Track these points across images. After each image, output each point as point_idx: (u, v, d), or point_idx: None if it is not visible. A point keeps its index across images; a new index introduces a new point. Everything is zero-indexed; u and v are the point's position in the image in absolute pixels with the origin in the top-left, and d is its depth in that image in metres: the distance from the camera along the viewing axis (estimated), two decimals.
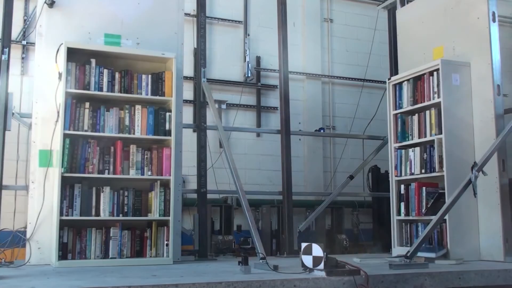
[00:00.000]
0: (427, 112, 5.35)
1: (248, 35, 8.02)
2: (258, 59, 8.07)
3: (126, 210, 4.79)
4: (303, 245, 3.75)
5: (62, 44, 4.71)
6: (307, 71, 8.25)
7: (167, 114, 4.98)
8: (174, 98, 4.97)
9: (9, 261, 4.65)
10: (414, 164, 5.44)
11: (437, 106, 5.24)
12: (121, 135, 4.84)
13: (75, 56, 4.75)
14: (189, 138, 6.52)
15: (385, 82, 8.36)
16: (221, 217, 6.19)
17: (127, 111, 4.87)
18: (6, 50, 4.88)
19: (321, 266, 3.61)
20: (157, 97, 4.98)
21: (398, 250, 5.41)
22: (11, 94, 4.81)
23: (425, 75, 5.41)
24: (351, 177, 6.74)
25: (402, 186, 5.55)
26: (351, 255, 5.10)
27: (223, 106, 7.77)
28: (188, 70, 7.42)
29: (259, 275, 3.63)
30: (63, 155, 4.56)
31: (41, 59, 4.95)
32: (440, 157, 5.12)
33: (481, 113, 5.14)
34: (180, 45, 5.40)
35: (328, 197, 6.78)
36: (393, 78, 5.83)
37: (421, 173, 5.34)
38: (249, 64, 7.89)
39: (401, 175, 5.60)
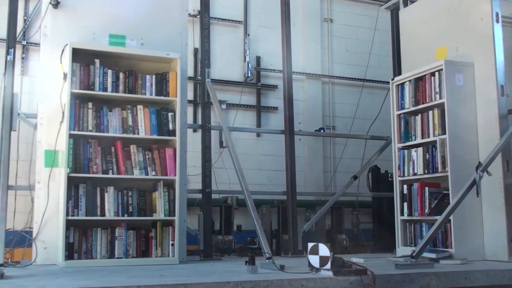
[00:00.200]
0: (430, 112, 5.37)
1: (248, 35, 8.02)
2: (258, 59, 8.07)
3: (131, 210, 4.80)
4: (310, 245, 3.76)
5: (67, 44, 4.72)
6: (307, 71, 8.25)
7: (169, 114, 4.99)
8: (178, 99, 4.99)
9: (15, 261, 4.66)
10: (417, 165, 5.46)
11: (440, 106, 5.26)
12: (125, 135, 4.85)
13: (80, 56, 4.76)
14: (189, 138, 6.51)
15: (386, 82, 8.46)
16: (221, 217, 6.19)
17: (129, 111, 4.88)
18: (11, 50, 4.87)
19: (328, 266, 3.62)
20: (162, 98, 4.99)
21: (402, 250, 5.43)
22: (16, 95, 4.81)
23: (426, 76, 5.43)
24: (355, 177, 6.76)
25: (405, 186, 5.58)
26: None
27: (223, 106, 7.76)
28: (188, 70, 7.41)
29: (266, 275, 3.64)
30: (68, 155, 4.58)
31: (46, 59, 4.95)
32: (443, 157, 5.14)
33: (484, 114, 5.16)
34: (184, 46, 5.41)
35: (332, 197, 6.80)
36: (396, 78, 5.85)
37: (424, 173, 5.36)
38: (249, 64, 7.88)
39: (404, 175, 5.62)
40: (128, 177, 4.82)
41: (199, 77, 7.06)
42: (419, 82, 5.53)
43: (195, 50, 7.49)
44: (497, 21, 5.14)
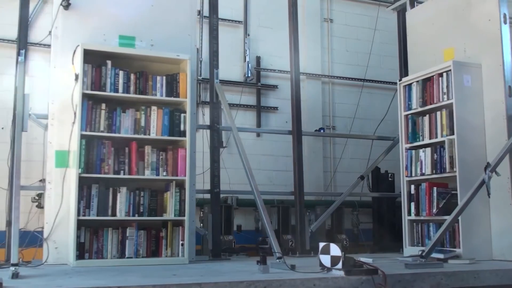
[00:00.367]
0: (438, 113, 5.40)
1: (248, 35, 8.03)
2: (258, 59, 8.07)
3: (141, 210, 4.84)
4: (321, 244, 3.79)
5: (78, 45, 4.76)
6: (307, 71, 8.26)
7: (182, 115, 5.03)
8: (188, 99, 5.03)
9: (26, 261, 4.69)
10: (425, 165, 5.49)
11: (448, 107, 5.29)
12: (136, 136, 4.89)
13: (91, 57, 4.80)
14: None
15: (386, 82, 8.54)
16: (221, 217, 6.23)
17: (143, 112, 4.92)
18: (23, 52, 4.92)
19: (339, 265, 3.65)
20: (172, 98, 5.03)
21: (409, 250, 5.46)
22: (27, 95, 4.85)
23: (434, 77, 5.46)
24: (362, 178, 6.80)
25: (412, 186, 5.61)
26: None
27: (223, 106, 7.80)
28: None
29: (278, 275, 3.67)
30: (80, 156, 4.62)
31: (57, 60, 4.99)
32: (451, 157, 5.17)
33: (492, 114, 5.19)
34: (193, 47, 5.46)
35: (336, 197, 6.85)
36: (403, 79, 5.89)
37: (432, 173, 5.39)
38: (249, 64, 7.89)
39: (411, 175, 5.65)
40: (140, 177, 4.86)
41: (199, 77, 7.11)
42: (426, 83, 5.56)
43: (196, 50, 7.50)
44: (505, 22, 5.18)
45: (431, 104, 5.48)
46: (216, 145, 5.79)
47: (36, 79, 5.93)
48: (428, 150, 5.46)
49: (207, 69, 7.16)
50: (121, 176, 4.80)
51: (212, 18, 5.93)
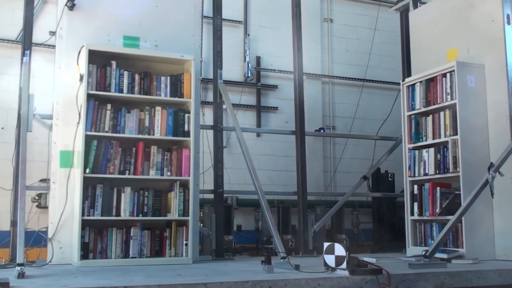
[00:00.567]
0: (441, 113, 5.41)
1: (248, 35, 8.05)
2: (258, 59, 8.09)
3: (145, 210, 4.86)
4: (325, 244, 3.81)
5: (83, 46, 4.77)
6: (307, 71, 8.25)
7: (186, 115, 5.04)
8: (193, 100, 5.04)
9: (30, 260, 4.70)
10: (428, 165, 5.50)
11: (451, 107, 5.30)
12: (141, 136, 4.91)
13: (96, 58, 4.82)
14: None
15: (386, 82, 8.56)
16: (223, 217, 6.23)
17: (147, 112, 4.94)
18: (28, 52, 4.93)
19: (344, 265, 3.66)
20: (176, 99, 5.05)
21: (412, 250, 5.47)
22: (32, 96, 4.85)
23: (437, 77, 5.47)
24: (365, 178, 6.81)
25: (415, 186, 5.62)
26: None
27: (224, 106, 7.83)
28: None
29: (283, 274, 3.68)
30: (89, 156, 4.63)
31: (62, 61, 5.01)
32: (454, 157, 5.18)
33: (495, 115, 5.20)
34: (197, 47, 5.49)
35: (338, 197, 6.87)
36: (407, 80, 5.90)
37: (435, 173, 5.40)
38: (249, 64, 7.91)
39: (414, 176, 5.66)
40: (144, 177, 4.88)
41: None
42: (430, 83, 5.57)
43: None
44: (508, 23, 5.19)
45: (434, 104, 5.49)
46: (219, 146, 5.80)
47: (37, 79, 5.94)
48: (432, 150, 5.47)
49: (208, 69, 7.22)
50: (126, 176, 4.82)
51: (216, 19, 5.93)
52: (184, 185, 4.96)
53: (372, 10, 8.63)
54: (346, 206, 7.23)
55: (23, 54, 4.96)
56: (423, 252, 4.42)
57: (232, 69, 7.88)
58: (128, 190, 4.79)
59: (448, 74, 5.34)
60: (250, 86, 8.00)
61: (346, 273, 3.61)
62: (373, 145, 7.38)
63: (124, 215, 4.77)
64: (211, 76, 6.18)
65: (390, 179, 7.27)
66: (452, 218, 4.60)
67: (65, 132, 4.88)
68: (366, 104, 8.46)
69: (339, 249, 3.74)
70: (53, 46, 5.24)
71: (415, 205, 5.59)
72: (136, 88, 4.94)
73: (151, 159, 4.90)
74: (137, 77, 4.96)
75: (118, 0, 5.23)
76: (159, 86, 5.02)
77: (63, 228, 4.78)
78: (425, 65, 5.87)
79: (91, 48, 4.75)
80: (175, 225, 4.92)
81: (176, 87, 5.07)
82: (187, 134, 5.02)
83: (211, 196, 5.78)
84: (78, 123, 4.75)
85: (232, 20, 7.99)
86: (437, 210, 5.30)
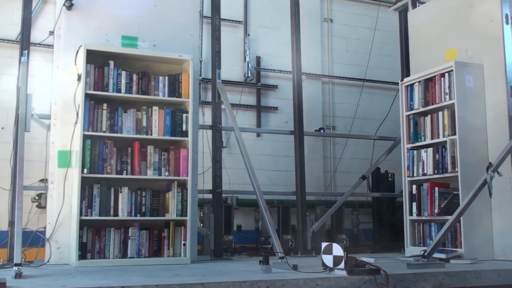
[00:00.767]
0: (440, 113, 5.40)
1: (248, 35, 8.04)
2: (258, 59, 8.09)
3: (143, 210, 4.85)
4: (323, 244, 3.80)
5: (81, 46, 4.77)
6: (307, 71, 8.27)
7: (184, 115, 5.04)
8: (191, 100, 5.04)
9: (28, 261, 4.70)
10: (426, 165, 5.49)
11: (450, 107, 5.30)
12: (138, 136, 4.90)
13: (93, 57, 4.81)
14: None
15: (386, 82, 8.55)
16: (222, 217, 6.23)
17: (144, 112, 4.93)
18: (26, 52, 4.93)
19: (342, 265, 3.66)
20: (174, 99, 5.04)
21: (411, 250, 5.47)
22: (30, 95, 4.84)
23: (436, 77, 5.47)
24: (364, 178, 6.81)
25: (414, 186, 5.61)
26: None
27: (223, 106, 7.83)
28: None
29: (281, 274, 3.68)
30: (85, 156, 4.63)
31: (60, 61, 5.00)
32: (453, 157, 5.17)
33: (494, 115, 5.19)
34: (196, 47, 5.48)
35: (337, 197, 6.86)
36: (405, 79, 5.89)
37: (434, 173, 5.39)
38: (249, 64, 7.91)
39: (413, 176, 5.66)
40: (142, 177, 4.87)
41: (199, 77, 7.11)
42: (428, 83, 5.57)
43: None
44: (507, 23, 5.18)
45: (433, 104, 5.48)
46: (218, 145, 5.80)
47: (36, 79, 5.94)
48: (430, 150, 5.46)
49: (207, 69, 7.21)
50: (124, 176, 4.81)
51: (215, 19, 5.93)
52: (182, 185, 4.96)
53: (372, 10, 8.63)
54: (346, 206, 7.23)
55: (21, 54, 4.94)
56: (422, 252, 4.41)
57: (232, 69, 7.88)
58: (125, 190, 4.78)
59: (446, 74, 5.33)
60: (250, 86, 8.00)
61: (344, 273, 3.60)
62: (375, 146, 7.37)
63: (122, 215, 4.77)
64: (210, 76, 6.17)
65: (390, 179, 7.26)
66: (450, 218, 4.59)
67: (63, 132, 4.88)
68: (366, 104, 8.46)
69: (337, 249, 3.73)
70: (53, 46, 5.23)
71: (414, 205, 5.58)
72: (134, 88, 4.94)
73: (148, 159, 4.89)
74: (135, 77, 4.95)
75: (116, 0, 5.22)
76: (157, 86, 5.02)
77: (61, 228, 4.77)
78: (424, 65, 5.86)
79: (89, 48, 4.74)
80: (173, 225, 4.91)
81: (174, 87, 5.06)
82: (185, 134, 5.02)
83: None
84: (76, 123, 4.74)
85: (232, 20, 7.99)
86: (436, 210, 5.30)
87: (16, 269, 3.69)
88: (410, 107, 5.76)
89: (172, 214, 4.90)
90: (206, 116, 6.74)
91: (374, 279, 3.57)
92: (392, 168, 7.14)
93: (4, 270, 4.08)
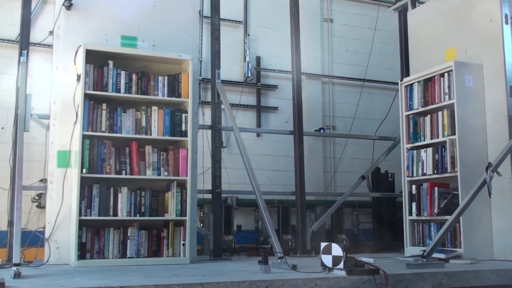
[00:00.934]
0: (439, 113, 5.40)
1: (248, 35, 8.03)
2: (258, 59, 8.08)
3: (143, 210, 4.85)
4: (323, 244, 3.80)
5: (80, 46, 4.77)
6: (307, 71, 8.26)
7: (183, 115, 5.04)
8: (190, 100, 5.04)
9: (27, 261, 4.70)
10: (426, 165, 5.49)
11: (449, 107, 5.30)
12: (137, 136, 4.90)
13: (93, 57, 4.81)
14: None
15: (386, 82, 8.55)
16: (221, 217, 6.23)
17: (143, 112, 4.93)
18: (25, 52, 4.93)
19: (341, 265, 3.65)
20: (173, 99, 5.04)
21: (410, 250, 5.46)
22: (29, 95, 4.84)
23: (435, 77, 5.47)
24: (363, 178, 6.80)
25: (414, 186, 5.61)
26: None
27: (223, 106, 7.83)
28: None
29: (280, 274, 3.68)
30: (84, 156, 4.63)
31: (59, 61, 5.00)
32: (452, 157, 5.17)
33: (493, 114, 5.19)
34: (195, 47, 5.48)
35: (337, 197, 6.86)
36: (405, 79, 5.89)
37: (433, 173, 5.39)
38: (249, 64, 7.90)
39: (413, 176, 5.66)
40: (141, 177, 4.87)
41: (199, 77, 7.11)
42: (428, 83, 5.57)
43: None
44: (506, 23, 5.18)
45: (432, 104, 5.48)
46: (217, 145, 5.79)
47: (36, 79, 5.94)
48: (430, 150, 5.46)
49: (207, 69, 7.21)
50: (123, 176, 4.81)
51: (214, 19, 5.92)
52: (182, 185, 4.96)
53: (372, 10, 8.62)
54: (346, 206, 7.22)
55: (20, 54, 4.95)
56: (421, 252, 4.41)
57: (232, 69, 7.87)
58: (125, 190, 4.78)
59: (446, 74, 5.33)
60: (250, 86, 7.99)
61: (343, 273, 3.60)
62: (374, 145, 7.37)
63: (121, 215, 4.77)
64: (210, 76, 6.16)
65: (390, 179, 7.26)
66: (450, 218, 4.59)
67: (63, 132, 4.87)
68: (366, 104, 8.46)
69: (336, 249, 3.73)
70: (52, 46, 5.23)
71: (413, 205, 5.58)
72: (134, 88, 4.94)
73: (146, 159, 4.89)
74: (134, 77, 4.95)
75: (116, 0, 5.22)
76: (156, 86, 5.02)
77: (60, 228, 4.77)
78: (423, 65, 5.86)
79: (88, 47, 4.74)
80: (172, 225, 4.91)
81: (174, 87, 5.06)
82: (184, 134, 5.02)
83: None
84: (75, 123, 4.74)
85: (232, 20, 7.98)
86: (435, 210, 5.30)
87: (15, 269, 3.69)
88: (410, 107, 5.76)
89: (171, 214, 4.90)
90: (206, 116, 6.73)
91: (373, 279, 3.56)
92: (392, 168, 7.14)
93: (3, 270, 4.09)
